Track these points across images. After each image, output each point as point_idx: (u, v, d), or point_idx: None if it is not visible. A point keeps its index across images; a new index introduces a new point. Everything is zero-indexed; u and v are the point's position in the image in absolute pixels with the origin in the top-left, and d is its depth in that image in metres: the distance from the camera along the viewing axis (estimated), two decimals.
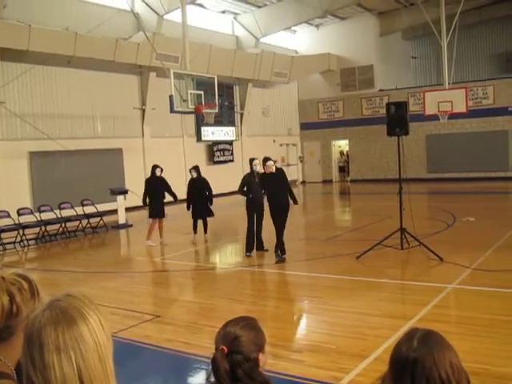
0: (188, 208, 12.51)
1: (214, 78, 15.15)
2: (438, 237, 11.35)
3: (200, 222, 12.49)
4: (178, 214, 12.62)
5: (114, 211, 15.70)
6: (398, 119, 9.79)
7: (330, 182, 29.81)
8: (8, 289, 1.46)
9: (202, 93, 14.68)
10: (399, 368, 1.57)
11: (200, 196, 12.35)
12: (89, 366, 1.20)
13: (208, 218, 12.52)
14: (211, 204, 12.49)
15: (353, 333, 5.88)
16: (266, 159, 10.04)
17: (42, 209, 14.64)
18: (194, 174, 12.58)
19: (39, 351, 1.20)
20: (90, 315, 1.25)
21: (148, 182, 12.67)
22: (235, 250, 11.58)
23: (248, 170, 11.17)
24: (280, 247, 9.84)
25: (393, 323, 6.03)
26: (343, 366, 4.95)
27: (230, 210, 17.00)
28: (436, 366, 1.52)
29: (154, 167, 12.65)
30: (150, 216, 12.62)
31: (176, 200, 12.69)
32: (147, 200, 12.50)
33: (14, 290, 1.47)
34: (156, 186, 12.40)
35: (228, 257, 11.49)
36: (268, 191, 10.11)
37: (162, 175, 12.63)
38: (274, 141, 28.41)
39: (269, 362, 2.09)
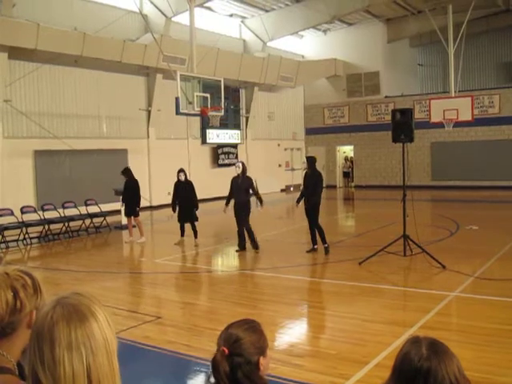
0: (174, 210, 12.61)
1: (220, 81, 15.17)
2: (441, 244, 11.32)
3: (188, 226, 12.58)
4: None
5: (118, 211, 15.71)
6: (403, 126, 9.78)
7: (334, 187, 29.78)
8: (12, 284, 1.47)
9: (208, 95, 14.69)
10: (410, 378, 1.57)
11: (186, 199, 12.41)
12: (98, 363, 1.21)
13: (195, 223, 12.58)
14: (197, 209, 12.59)
15: (354, 339, 5.86)
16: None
17: (46, 207, 14.67)
18: (183, 177, 12.64)
19: (50, 347, 1.20)
20: (98, 312, 1.26)
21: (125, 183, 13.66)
22: (236, 253, 11.56)
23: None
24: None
25: (394, 330, 6.02)
26: (343, 372, 4.93)
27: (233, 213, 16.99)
28: (448, 373, 1.54)
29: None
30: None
31: (138, 205, 13.42)
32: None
33: (17, 285, 1.47)
34: (126, 188, 13.36)
35: (229, 260, 11.48)
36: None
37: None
38: (279, 145, 28.44)
39: (269, 367, 2.08)
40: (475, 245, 11.34)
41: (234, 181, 11.49)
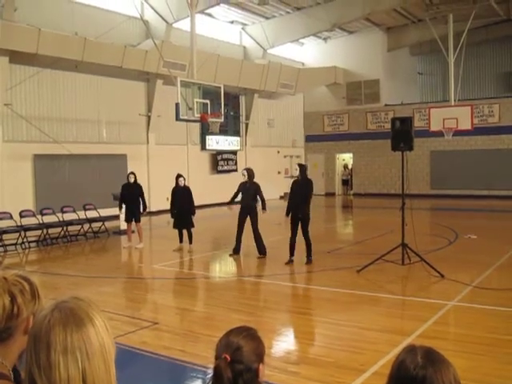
0: (172, 216, 12.63)
1: (220, 88, 15.21)
2: (440, 253, 11.32)
3: (185, 232, 12.62)
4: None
5: (116, 217, 15.71)
6: (402, 134, 9.78)
7: (333, 195, 29.80)
8: (10, 289, 1.47)
9: (208, 102, 14.73)
10: None
11: (184, 205, 12.41)
12: (93, 367, 1.21)
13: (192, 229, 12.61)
14: (193, 214, 12.59)
15: (351, 347, 5.85)
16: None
17: (45, 212, 14.66)
18: (183, 182, 12.70)
19: (46, 351, 1.20)
20: (96, 318, 1.26)
21: (122, 187, 13.42)
22: (234, 260, 11.57)
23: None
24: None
25: (392, 338, 6.00)
26: (340, 380, 4.92)
27: (233, 219, 16.98)
28: (444, 382, 1.54)
29: (128, 174, 13.52)
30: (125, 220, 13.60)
31: (144, 209, 13.36)
32: (122, 205, 13.60)
33: (15, 290, 1.47)
34: (127, 192, 13.24)
35: (227, 266, 11.47)
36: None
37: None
38: (279, 152, 28.46)
39: (265, 373, 2.08)
40: (474, 254, 11.33)
41: (242, 185, 11.65)
